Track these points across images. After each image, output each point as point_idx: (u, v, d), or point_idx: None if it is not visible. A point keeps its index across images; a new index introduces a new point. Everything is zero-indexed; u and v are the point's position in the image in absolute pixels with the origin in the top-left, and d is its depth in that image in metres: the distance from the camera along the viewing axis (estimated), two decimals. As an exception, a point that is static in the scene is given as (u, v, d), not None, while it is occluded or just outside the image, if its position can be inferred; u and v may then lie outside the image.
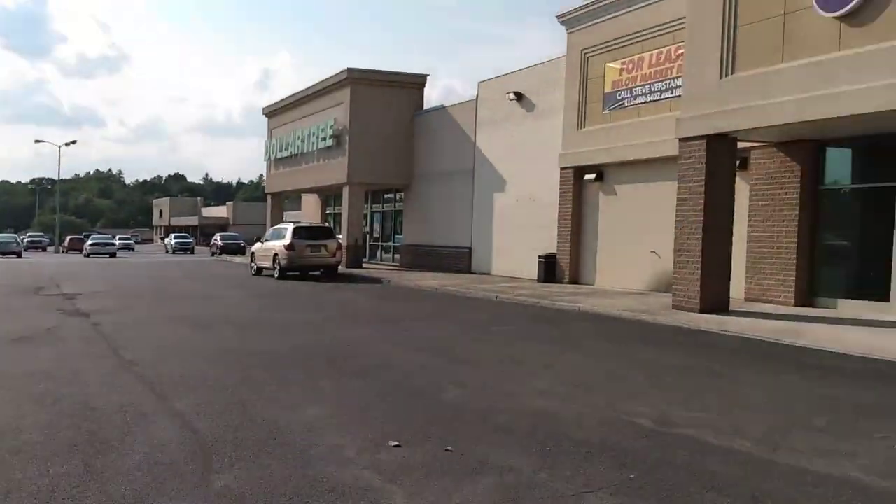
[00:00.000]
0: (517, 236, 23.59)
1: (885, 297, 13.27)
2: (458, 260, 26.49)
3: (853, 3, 11.69)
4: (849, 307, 13.86)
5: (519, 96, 23.85)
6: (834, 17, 12.01)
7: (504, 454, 5.42)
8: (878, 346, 9.99)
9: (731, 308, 14.02)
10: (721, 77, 13.87)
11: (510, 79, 24.52)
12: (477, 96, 26.36)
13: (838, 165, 15.05)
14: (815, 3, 12.28)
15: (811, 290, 14.71)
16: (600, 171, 20.25)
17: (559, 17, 21.74)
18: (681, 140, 14.55)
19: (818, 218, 14.85)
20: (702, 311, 13.67)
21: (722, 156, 14.14)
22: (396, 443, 5.71)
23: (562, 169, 21.28)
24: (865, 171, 14.45)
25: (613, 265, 19.75)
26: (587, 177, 20.58)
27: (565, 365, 9.20)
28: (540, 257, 21.39)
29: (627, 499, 4.52)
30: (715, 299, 13.85)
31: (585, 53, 20.75)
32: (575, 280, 20.78)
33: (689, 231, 14.13)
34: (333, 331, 12.17)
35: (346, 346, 10.43)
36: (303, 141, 34.68)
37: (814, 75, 12.23)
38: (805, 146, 14.83)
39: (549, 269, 21.11)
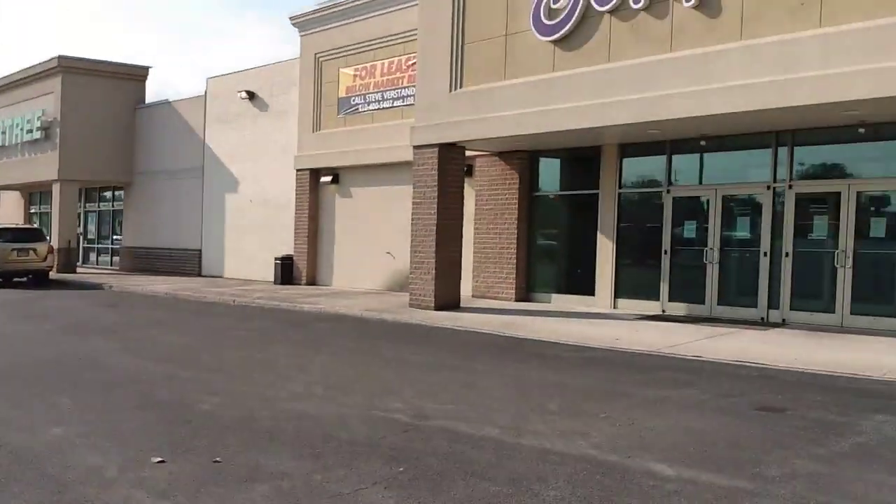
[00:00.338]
0: (252, 238, 23.30)
1: (591, 292, 15.10)
2: (187, 262, 25.56)
3: (565, 29, 13.13)
4: (562, 301, 15.54)
5: (251, 95, 23.55)
6: (549, 41, 13.40)
7: (275, 460, 5.56)
8: (588, 335, 11.40)
9: (461, 305, 15.10)
10: (451, 90, 14.85)
11: (242, 77, 24.11)
12: (206, 92, 25.58)
13: (549, 174, 16.74)
14: (532, 27, 13.61)
15: (529, 286, 16.28)
16: (336, 174, 20.66)
17: (292, 18, 21.82)
18: (415, 148, 15.36)
19: (534, 222, 16.43)
20: (436, 308, 14.59)
21: (452, 163, 15.16)
22: (160, 458, 5.60)
23: (298, 171, 21.40)
24: (572, 180, 16.22)
25: (350, 266, 20.26)
26: (323, 179, 20.90)
27: (318, 366, 9.44)
28: (276, 259, 21.34)
29: (402, 490, 4.90)
30: (448, 297, 14.84)
31: (319, 57, 21.04)
32: (312, 282, 21.02)
33: (423, 234, 14.97)
34: (62, 343, 11.36)
35: (80, 359, 9.83)
36: (3, 133, 31.39)
37: (532, 93, 13.56)
38: (522, 156, 16.33)
39: (285, 270, 21.14)
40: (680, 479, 5.11)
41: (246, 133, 23.77)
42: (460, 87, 14.75)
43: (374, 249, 19.50)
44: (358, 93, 20.12)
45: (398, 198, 18.89)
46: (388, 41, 19.25)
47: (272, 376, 8.79)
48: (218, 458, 5.61)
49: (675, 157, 14.35)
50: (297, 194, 21.43)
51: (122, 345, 11.23)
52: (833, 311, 12.35)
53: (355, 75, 20.23)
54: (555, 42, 13.35)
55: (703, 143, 13.99)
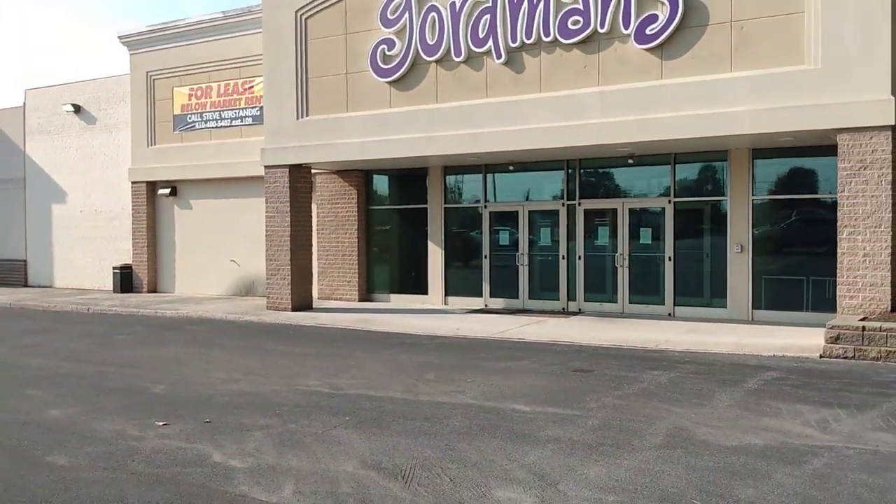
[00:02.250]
0: (84, 248, 23.85)
1: (425, 292, 17.83)
2: (12, 273, 25.44)
3: (398, 73, 15.64)
4: (400, 300, 18.13)
5: (77, 108, 24.05)
6: (385, 82, 15.89)
7: (251, 419, 7.65)
8: (434, 326, 14.06)
9: (313, 306, 17.25)
10: (298, 118, 16.92)
11: (65, 89, 24.50)
12: (24, 104, 25.58)
13: (384, 190, 19.25)
14: (370, 69, 16.02)
15: (370, 288, 18.72)
16: (174, 187, 21.91)
17: (122, 37, 22.66)
18: (266, 167, 17.27)
19: (371, 231, 18.89)
20: (293, 309, 16.65)
21: (301, 182, 17.24)
22: (164, 422, 7.56)
23: (133, 183, 22.37)
24: (404, 195, 18.83)
25: (193, 274, 21.62)
26: (161, 191, 22.05)
27: (222, 360, 11.33)
28: (115, 268, 22.19)
29: (357, 428, 7.22)
30: (302, 300, 16.95)
31: (151, 76, 22.14)
32: (154, 289, 22.12)
33: (278, 244, 16.95)
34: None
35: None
36: None
37: (372, 124, 15.98)
38: (359, 174, 18.72)
39: (125, 279, 22.07)
40: (534, 412, 7.83)
41: (73, 145, 24.21)
42: (307, 115, 16.87)
43: (218, 257, 21.04)
44: (194, 111, 21.51)
45: (241, 209, 20.62)
46: (223, 65, 20.82)
47: (190, 369, 10.63)
48: (208, 420, 7.63)
49: (489, 177, 17.36)
50: (133, 206, 22.40)
51: (20, 350, 12.42)
52: (616, 302, 15.86)
53: (190, 94, 21.59)
54: (390, 83, 15.84)
55: (511, 167, 17.11)
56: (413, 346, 12.36)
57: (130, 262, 22.48)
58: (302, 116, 16.87)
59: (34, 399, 8.75)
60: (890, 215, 11.33)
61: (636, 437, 6.84)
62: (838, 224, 11.66)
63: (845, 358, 10.53)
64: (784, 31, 11.94)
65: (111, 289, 22.44)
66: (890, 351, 10.34)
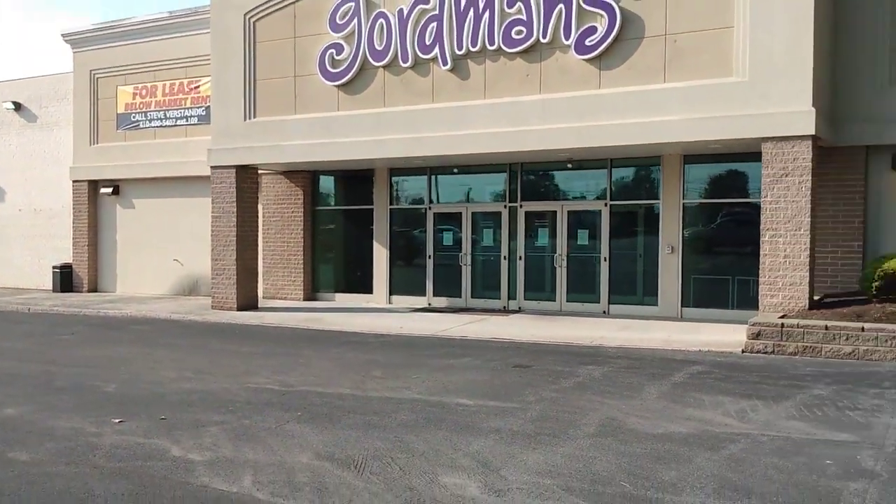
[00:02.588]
0: (22, 247, 23.56)
1: (370, 291, 18.19)
2: (-57, 272, 24.93)
3: (346, 77, 15.98)
4: (344, 299, 18.45)
5: (18, 106, 23.72)
6: (333, 86, 16.18)
7: (206, 416, 7.94)
8: (378, 325, 14.44)
9: (259, 305, 17.45)
10: (245, 119, 17.11)
11: (5, 87, 24.13)
12: (-41, 100, 25.06)
13: (328, 190, 19.53)
14: (318, 72, 16.31)
15: (315, 287, 18.99)
16: (117, 186, 21.80)
17: (65, 35, 22.49)
18: (212, 168, 17.40)
19: (317, 231, 19.16)
20: (239, 309, 16.83)
21: (248, 182, 17.43)
22: (120, 419, 7.79)
23: (75, 182, 22.19)
24: (350, 196, 19.14)
25: (135, 273, 21.56)
26: (104, 190, 21.93)
27: (169, 359, 11.51)
28: (55, 267, 21.99)
29: (310, 423, 7.58)
30: (248, 299, 17.14)
31: (95, 74, 22.01)
32: (95, 289, 21.99)
33: (224, 244, 17.11)
34: None
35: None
36: None
37: (320, 127, 16.27)
38: (305, 175, 18.97)
39: (65, 279, 21.89)
40: (477, 405, 8.28)
41: (12, 143, 23.88)
42: (254, 116, 17.06)
43: (161, 257, 21.04)
44: (138, 110, 21.46)
45: (185, 209, 20.67)
46: (169, 65, 20.84)
47: (139, 368, 10.80)
48: (163, 417, 7.89)
49: (434, 178, 17.78)
50: (75, 205, 22.22)
51: (-34, 351, 12.40)
52: (554, 300, 16.46)
53: (135, 93, 21.54)
54: (338, 87, 16.15)
55: (455, 170, 17.58)
56: (359, 344, 12.72)
57: (71, 261, 22.29)
58: (249, 118, 17.05)
59: (-15, 398, 8.87)
60: (809, 219, 12.12)
61: (571, 426, 7.35)
62: (761, 227, 12.42)
63: (765, 353, 11.26)
64: (715, 45, 12.65)
65: (50, 288, 22.24)
66: (806, 346, 11.10)
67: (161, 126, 21.06)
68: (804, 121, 11.88)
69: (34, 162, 23.48)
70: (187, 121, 20.69)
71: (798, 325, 11.23)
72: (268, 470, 6.14)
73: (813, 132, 11.86)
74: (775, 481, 5.78)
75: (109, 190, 21.83)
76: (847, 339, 10.95)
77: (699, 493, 5.53)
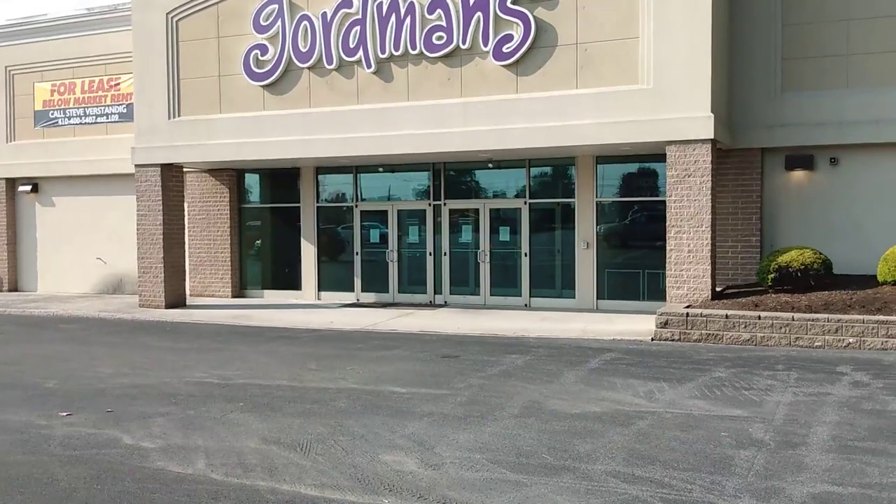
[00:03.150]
0: (-67, 246, 22.92)
1: (298, 287, 18.56)
2: None
3: (272, 77, 16.29)
4: (273, 296, 18.77)
5: (-74, 102, 23.04)
6: (259, 86, 16.49)
7: (151, 408, 8.31)
8: (309, 320, 14.88)
9: (187, 303, 17.62)
10: (170, 118, 17.23)
11: (-89, 81, 23.40)
12: None
13: (255, 188, 19.78)
14: (244, 72, 16.58)
15: (243, 284, 19.24)
16: (36, 184, 21.51)
17: (-24, 29, 22.02)
18: (137, 166, 17.46)
19: (244, 229, 19.40)
20: (167, 306, 16.98)
21: (173, 181, 17.55)
22: (67, 413, 8.10)
23: (-9, 180, 21.80)
24: (277, 194, 19.43)
25: (57, 272, 21.32)
26: (22, 188, 21.60)
27: (106, 356, 11.72)
28: (-29, 267, 21.56)
29: (252, 412, 8.04)
30: (176, 297, 17.30)
31: (10, 70, 21.63)
32: (15, 288, 21.65)
33: (150, 242, 17.21)
34: None
35: None
36: None
37: (246, 126, 16.55)
38: (231, 173, 19.17)
39: (-18, 278, 21.49)
40: (410, 392, 8.89)
41: (-79, 139, 23.19)
42: (178, 115, 17.20)
43: (83, 255, 20.88)
44: (57, 107, 21.21)
45: (107, 207, 20.58)
46: (88, 62, 20.67)
47: (76, 365, 11.00)
48: (110, 409, 8.23)
49: (360, 177, 18.27)
50: (-8, 203, 21.84)
51: None
52: (478, 294, 17.18)
53: (53, 90, 21.28)
54: (264, 87, 16.45)
55: (380, 169, 18.10)
56: (292, 338, 13.16)
57: (-12, 260, 21.89)
58: (174, 116, 17.19)
59: (-76, 397, 8.99)
60: (710, 217, 13.15)
61: (497, 409, 8.04)
62: (667, 224, 13.40)
63: (672, 340, 12.22)
64: (622, 55, 13.55)
65: (-34, 288, 21.77)
66: (709, 334, 12.10)
67: (81, 124, 20.88)
68: (703, 126, 12.89)
69: (-54, 159, 22.88)
70: (108, 118, 20.59)
71: (701, 314, 12.22)
72: (219, 454, 6.61)
73: (712, 136, 12.87)
74: (677, 451, 6.58)
75: (28, 188, 21.51)
76: (745, 326, 11.99)
77: (610, 462, 6.27)
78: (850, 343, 11.40)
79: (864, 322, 11.43)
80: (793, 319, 11.73)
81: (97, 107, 20.74)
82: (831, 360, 10.55)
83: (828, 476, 5.87)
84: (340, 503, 5.46)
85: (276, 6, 16.04)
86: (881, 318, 11.42)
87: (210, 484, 5.88)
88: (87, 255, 20.89)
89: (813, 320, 11.65)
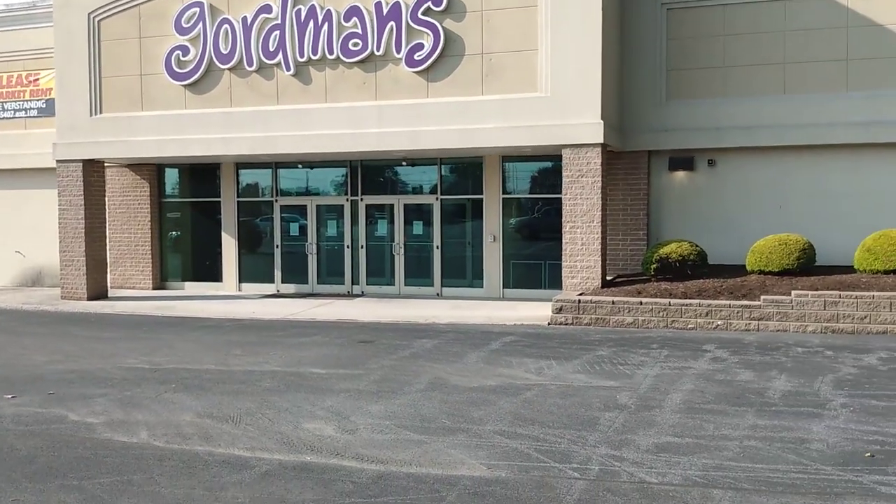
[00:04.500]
0: None
1: (219, 279, 19.27)
2: None
3: (193, 77, 16.95)
4: (194, 287, 19.42)
5: None
6: (180, 85, 17.13)
7: (90, 390, 9.10)
8: (231, 311, 15.70)
9: (108, 295, 18.15)
10: (91, 115, 17.68)
11: None
12: None
13: (175, 183, 20.33)
14: (165, 72, 17.18)
15: (164, 276, 19.82)
16: (-50, 178, 21.52)
17: None
18: (58, 161, 17.85)
19: (164, 222, 19.96)
20: (89, 299, 17.49)
21: (95, 176, 18.02)
22: (12, 395, 8.83)
23: None
24: (197, 189, 20.04)
25: (-28, 265, 21.43)
26: (-64, 182, 21.56)
27: (36, 345, 12.31)
28: None
29: (185, 392, 8.95)
30: (98, 289, 17.81)
31: (-76, 63, 21.54)
32: (-71, 281, 21.63)
33: (72, 236, 17.66)
34: None
35: None
36: None
37: (168, 124, 17.16)
38: (151, 168, 19.70)
39: None
40: (328, 373, 9.92)
41: None
42: (100, 112, 17.67)
43: (1, 248, 21.05)
44: (-27, 101, 21.27)
45: (24, 200, 20.80)
46: (5, 57, 20.75)
47: (8, 353, 11.60)
48: (51, 392, 9.00)
49: (280, 172, 19.06)
50: None
51: None
52: (394, 285, 18.25)
53: (-32, 84, 21.32)
54: (186, 86, 17.10)
55: (299, 165, 18.97)
56: (215, 328, 13.98)
57: None
58: (95, 113, 17.65)
59: None
60: (601, 213, 14.56)
61: (406, 385, 9.16)
62: (563, 219, 14.76)
63: (566, 324, 13.58)
64: (523, 65, 14.80)
65: None
66: (598, 318, 13.51)
67: (1, 118, 20.99)
68: (594, 131, 14.27)
69: None
70: (26, 113, 20.79)
71: (591, 301, 13.63)
72: (158, 427, 7.53)
73: (601, 141, 14.27)
74: (554, 414, 7.83)
75: (-58, 182, 21.50)
76: (629, 311, 13.44)
77: (498, 424, 7.48)
78: (718, 325, 12.97)
79: (730, 307, 13.02)
80: (669, 305, 13.25)
81: (15, 101, 20.89)
82: (700, 339, 12.06)
83: (671, 430, 7.20)
84: (269, 461, 6.48)
85: (198, 9, 16.70)
86: (745, 302, 13.03)
87: (154, 450, 6.82)
88: (4, 249, 21.06)
89: (687, 305, 13.19)
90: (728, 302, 13.10)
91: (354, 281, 18.50)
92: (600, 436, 7.06)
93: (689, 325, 13.08)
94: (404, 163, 18.10)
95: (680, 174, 16.29)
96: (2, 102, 20.99)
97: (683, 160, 16.12)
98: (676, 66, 16.02)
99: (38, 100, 20.64)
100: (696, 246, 14.76)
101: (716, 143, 15.80)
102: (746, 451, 6.55)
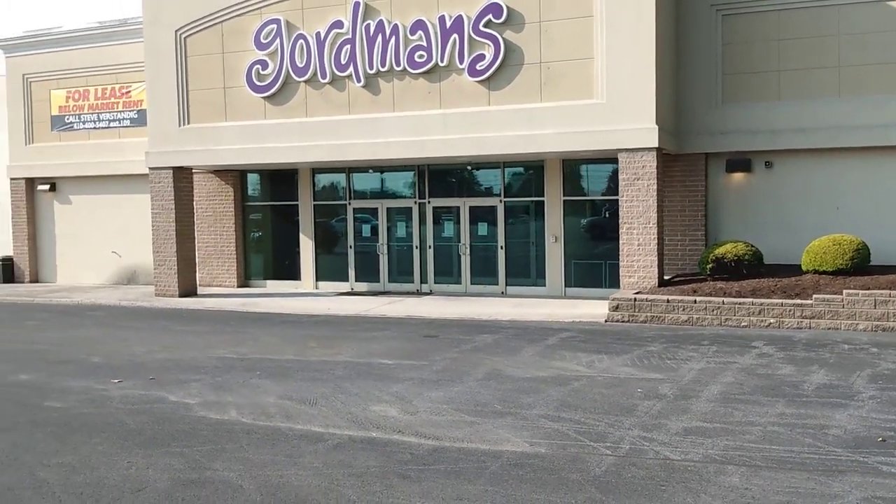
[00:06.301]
0: (-42, 241, 24.86)
1: (298, 278, 20.54)
2: None
3: (272, 90, 18.19)
4: (275, 286, 20.74)
5: (-52, 107, 24.87)
6: (260, 97, 18.39)
7: (186, 376, 10.26)
8: (309, 307, 16.86)
9: (197, 292, 19.58)
10: (180, 125, 19.12)
11: (-66, 88, 25.22)
12: None
13: (256, 187, 21.69)
14: (246, 85, 18.47)
15: (247, 275, 21.20)
16: (54, 183, 23.39)
17: (-3, 40, 23.83)
18: (151, 168, 19.36)
19: (248, 224, 21.34)
20: (180, 296, 18.94)
21: (184, 182, 19.48)
22: (118, 380, 10.06)
23: (12, 179, 23.65)
24: (277, 193, 21.34)
25: (74, 264, 23.25)
26: (40, 187, 23.46)
27: (136, 338, 13.65)
28: (-5, 260, 23.52)
29: (269, 378, 10.02)
30: (188, 287, 19.26)
31: (28, 78, 23.45)
32: (36, 280, 23.57)
33: (164, 238, 19.14)
34: None
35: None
36: None
37: (249, 133, 18.45)
38: (234, 174, 21.09)
39: (6, 270, 23.40)
40: (395, 363, 10.88)
41: (-56, 142, 25.05)
42: (188, 123, 19.09)
43: (98, 249, 22.81)
44: (72, 112, 23.06)
45: (120, 204, 22.52)
46: (100, 71, 22.49)
47: (112, 345, 12.94)
48: (152, 377, 10.20)
49: (352, 177, 20.19)
50: (13, 201, 23.69)
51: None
52: (460, 283, 19.16)
53: (68, 97, 23.11)
54: (265, 98, 18.35)
55: (370, 170, 20.05)
56: (294, 322, 15.13)
57: (11, 254, 23.76)
58: (183, 124, 19.08)
59: (-4, 370, 10.95)
60: (656, 215, 15.15)
61: (465, 375, 10.04)
62: (620, 221, 15.41)
63: (622, 322, 14.24)
64: (580, 72, 15.50)
65: (-9, 280, 23.69)
66: (653, 316, 14.13)
67: (95, 128, 22.74)
68: (649, 136, 14.87)
69: (-31, 161, 24.75)
70: (120, 123, 22.46)
71: (647, 299, 14.25)
72: (246, 407, 8.59)
73: (657, 145, 14.86)
74: (597, 401, 8.60)
75: (47, 187, 23.38)
76: (683, 309, 14.02)
77: (544, 409, 8.29)
78: (770, 323, 13.44)
79: (782, 305, 13.47)
80: (723, 303, 13.77)
81: (110, 112, 22.59)
82: (751, 337, 12.58)
83: (702, 417, 7.89)
84: (340, 436, 7.45)
85: (275, 26, 17.92)
86: (797, 301, 13.47)
87: (242, 426, 7.87)
88: (101, 249, 22.81)
89: (740, 304, 13.69)
90: (780, 300, 13.55)
91: (423, 280, 19.48)
92: (636, 420, 7.80)
93: (742, 323, 13.58)
94: (469, 167, 18.99)
95: (737, 175, 16.73)
96: (98, 114, 22.72)
97: (741, 162, 16.54)
98: (732, 70, 16.46)
99: (130, 110, 22.27)
100: (752, 246, 15.20)
101: (772, 145, 16.18)
102: (768, 435, 7.21)
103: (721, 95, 16.53)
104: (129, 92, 22.28)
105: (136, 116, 22.08)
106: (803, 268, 14.96)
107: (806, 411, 7.99)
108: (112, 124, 22.59)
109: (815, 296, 13.37)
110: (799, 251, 15.46)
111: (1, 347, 12.90)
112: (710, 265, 15.17)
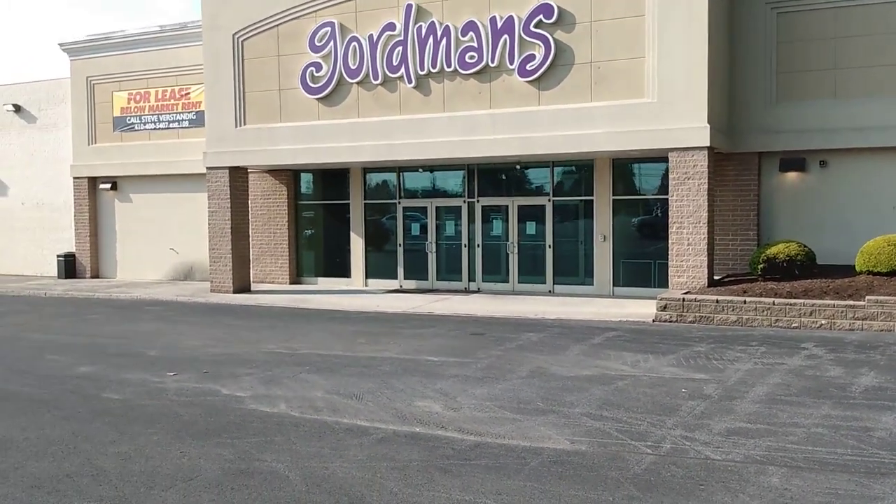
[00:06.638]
0: (24, 237, 25.83)
1: (348, 275, 20.88)
2: (-48, 261, 27.09)
3: (325, 91, 18.53)
4: (326, 282, 21.11)
5: (18, 108, 25.86)
6: (314, 98, 18.73)
7: (239, 370, 10.57)
8: (358, 304, 17.14)
9: (251, 289, 20.05)
10: (236, 126, 19.60)
11: (5, 90, 26.25)
12: (-41, 102, 27.12)
13: (309, 186, 22.10)
14: (301, 87, 18.83)
15: (299, 272, 21.62)
16: (115, 182, 24.15)
17: (62, 45, 24.66)
18: (208, 168, 19.87)
19: (300, 222, 21.76)
20: (235, 292, 19.42)
21: (239, 181, 19.96)
22: (174, 373, 10.43)
23: (75, 178, 24.49)
24: (328, 192, 21.72)
25: (133, 260, 23.99)
26: (102, 186, 24.26)
27: (192, 332, 14.08)
28: (59, 256, 24.33)
29: (319, 374, 10.27)
30: (242, 283, 19.73)
31: (91, 81, 24.24)
32: (97, 275, 24.39)
33: (220, 235, 19.64)
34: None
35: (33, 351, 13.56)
36: None
37: (303, 134, 18.83)
38: (287, 173, 21.52)
39: (69, 266, 24.24)
40: (441, 360, 11.04)
41: (14, 142, 26.05)
42: (244, 124, 19.56)
43: (156, 246, 23.51)
44: (133, 113, 23.78)
45: (178, 203, 23.16)
46: (160, 73, 23.16)
47: (168, 339, 13.38)
48: (206, 371, 10.54)
49: (402, 176, 20.44)
50: (76, 199, 24.54)
51: (9, 328, 14.84)
52: (508, 282, 19.26)
53: (129, 98, 23.84)
54: (318, 99, 18.70)
55: (420, 169, 20.26)
56: (344, 319, 15.41)
57: (73, 250, 24.62)
58: (240, 125, 19.55)
59: (58, 361, 11.43)
60: (707, 214, 15.04)
61: (509, 373, 10.15)
62: (669, 220, 15.33)
63: (670, 322, 14.18)
64: (630, 72, 15.46)
65: (54, 275, 24.57)
66: (702, 316, 14.04)
67: (155, 129, 23.41)
68: (700, 135, 14.77)
69: (35, 160, 25.69)
70: (179, 124, 23.08)
71: (695, 299, 14.16)
72: (294, 400, 8.85)
73: (708, 144, 14.75)
74: (640, 401, 8.63)
75: (108, 186, 24.16)
76: (733, 310, 13.89)
77: (586, 407, 8.36)
78: (822, 324, 13.25)
79: (834, 306, 13.26)
80: (773, 304, 13.62)
81: (169, 114, 23.24)
82: (801, 338, 12.43)
83: (746, 417, 7.88)
84: (385, 431, 7.64)
85: (329, 29, 18.25)
86: (849, 302, 13.24)
87: (291, 418, 8.12)
88: (160, 246, 23.49)
89: (791, 304, 13.52)
90: (832, 302, 13.34)
91: (471, 278, 19.63)
92: (678, 420, 7.82)
93: (793, 325, 13.41)
94: (518, 166, 19.06)
95: (791, 175, 16.49)
96: (158, 115, 23.39)
97: (794, 161, 16.31)
98: (786, 69, 16.23)
99: (189, 112, 22.87)
100: (804, 246, 14.99)
101: (827, 144, 15.92)
102: (811, 436, 7.18)
103: (775, 94, 16.31)
104: (188, 94, 22.87)
105: (194, 118, 22.66)
106: (857, 269, 14.70)
107: (852, 413, 7.92)
108: (171, 125, 23.22)
109: (867, 297, 13.14)
110: (853, 252, 15.19)
111: (64, 341, 13.42)
112: (762, 265, 15.01)
